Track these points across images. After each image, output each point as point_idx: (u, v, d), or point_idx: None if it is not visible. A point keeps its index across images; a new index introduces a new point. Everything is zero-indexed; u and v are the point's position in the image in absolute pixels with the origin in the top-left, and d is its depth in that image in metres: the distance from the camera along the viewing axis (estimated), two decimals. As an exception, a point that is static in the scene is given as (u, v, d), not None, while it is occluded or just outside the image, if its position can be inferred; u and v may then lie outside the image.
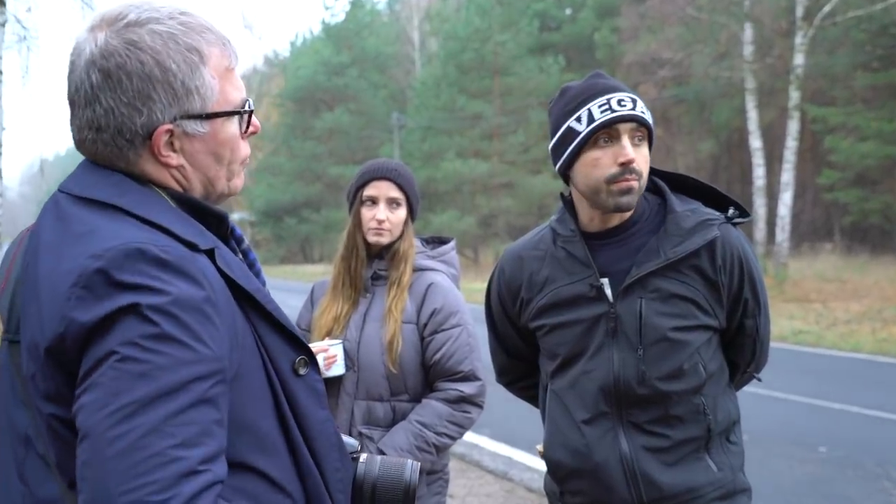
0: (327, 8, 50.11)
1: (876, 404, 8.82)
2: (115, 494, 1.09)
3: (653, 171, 2.36)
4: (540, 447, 2.49)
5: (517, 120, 35.13)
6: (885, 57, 25.00)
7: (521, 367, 2.62)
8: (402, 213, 2.96)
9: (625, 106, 2.17)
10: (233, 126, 1.43)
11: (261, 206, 47.63)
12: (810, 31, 23.46)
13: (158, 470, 1.10)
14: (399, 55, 49.10)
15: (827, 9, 23.37)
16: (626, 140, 2.17)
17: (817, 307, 18.28)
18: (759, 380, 2.51)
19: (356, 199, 2.98)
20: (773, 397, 8.68)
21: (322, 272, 27.12)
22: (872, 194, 25.85)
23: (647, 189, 2.34)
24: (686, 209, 2.26)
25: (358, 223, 2.96)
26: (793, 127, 23.51)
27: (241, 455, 1.29)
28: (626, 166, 2.16)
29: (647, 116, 2.20)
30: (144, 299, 1.18)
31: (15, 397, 1.33)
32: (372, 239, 2.94)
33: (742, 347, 2.35)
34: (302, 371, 1.40)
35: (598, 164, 2.19)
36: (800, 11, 23.40)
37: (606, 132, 2.18)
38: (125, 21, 1.34)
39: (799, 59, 23.41)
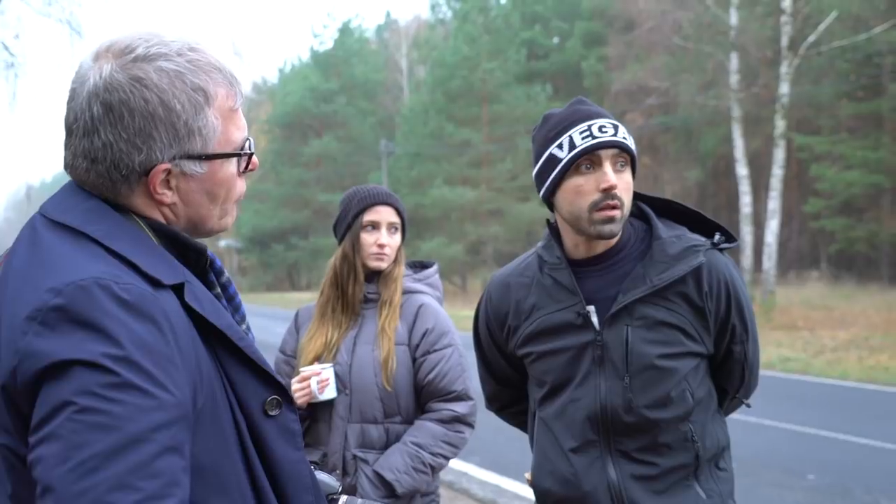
0: (316, 35, 50.22)
1: (864, 432, 8.82)
2: None
3: (638, 196, 2.35)
4: (528, 475, 2.47)
5: (505, 147, 35.27)
6: (869, 86, 25.31)
7: (510, 393, 2.60)
8: (398, 237, 2.98)
9: (606, 132, 2.16)
10: (231, 166, 1.40)
11: (248, 232, 47.58)
12: (795, 60, 23.70)
13: None
14: (387, 82, 49.38)
15: (812, 38, 23.64)
16: (607, 166, 2.16)
17: (804, 335, 18.32)
18: (749, 405, 2.49)
19: (354, 223, 2.96)
20: (761, 424, 8.67)
21: (309, 299, 27.01)
22: (858, 222, 26.05)
23: (633, 214, 2.33)
24: (672, 235, 2.25)
25: (356, 248, 2.95)
26: (779, 155, 23.69)
27: (201, 498, 1.24)
28: (608, 192, 2.15)
29: (629, 142, 2.19)
30: (101, 347, 1.13)
31: None
32: (373, 264, 2.94)
33: (731, 373, 2.33)
34: (273, 412, 1.35)
35: (580, 191, 2.17)
36: (785, 41, 23.65)
37: (588, 158, 2.17)
38: (133, 55, 1.31)
39: (784, 88, 23.63)
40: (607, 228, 2.18)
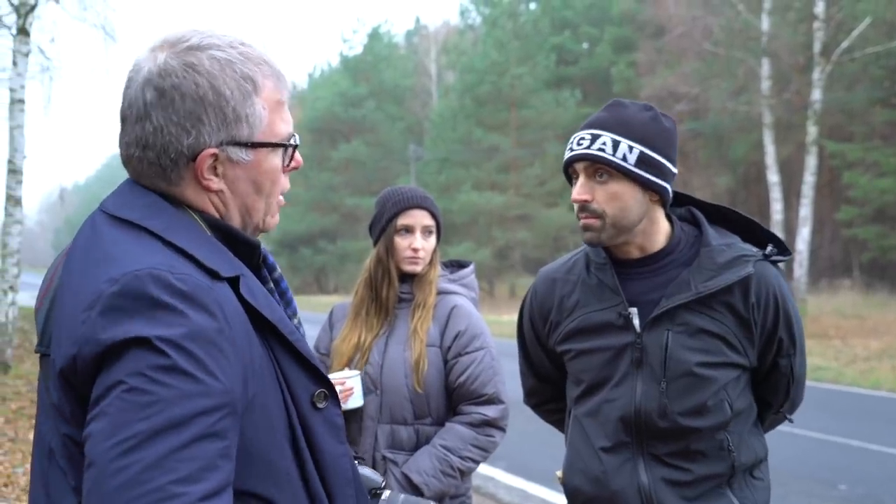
0: (345, 40, 50.38)
1: (896, 442, 8.71)
2: None
3: (691, 201, 2.37)
4: (560, 473, 2.46)
5: (533, 153, 35.21)
6: (903, 93, 24.96)
7: (548, 389, 2.61)
8: (433, 240, 2.98)
9: (581, 144, 2.20)
10: (276, 158, 1.44)
11: (276, 235, 47.82)
12: (828, 66, 23.46)
13: None
14: (416, 87, 49.45)
15: (845, 45, 23.39)
16: (581, 179, 2.21)
17: (836, 344, 18.10)
18: (791, 421, 2.46)
19: (388, 227, 2.96)
20: (793, 434, 8.55)
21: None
22: (892, 231, 25.68)
23: (685, 219, 2.33)
24: (722, 243, 2.23)
25: (391, 251, 2.95)
26: (811, 162, 23.45)
27: (251, 485, 1.28)
28: (577, 204, 2.21)
29: (604, 154, 2.15)
30: (155, 330, 1.18)
31: (43, 409, 1.35)
32: (407, 268, 2.94)
33: (776, 387, 2.31)
34: (321, 404, 1.39)
35: (573, 200, 2.25)
36: (817, 47, 23.42)
37: (573, 170, 2.25)
38: (187, 44, 1.37)
39: (816, 95, 23.39)
40: (585, 236, 2.24)
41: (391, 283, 2.95)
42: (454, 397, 2.93)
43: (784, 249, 2.27)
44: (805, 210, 23.29)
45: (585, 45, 39.86)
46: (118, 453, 1.11)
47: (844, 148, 25.82)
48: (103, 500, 1.10)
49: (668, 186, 2.23)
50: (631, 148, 2.16)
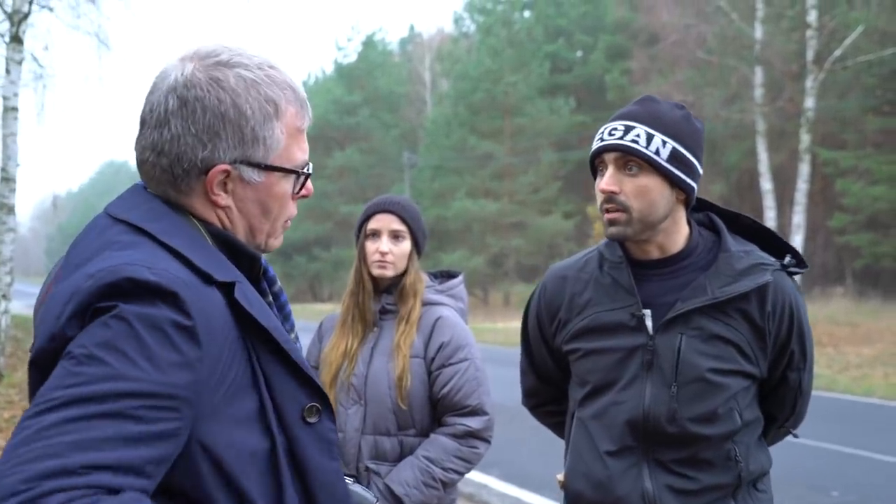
0: (340, 48, 50.37)
1: (889, 449, 8.72)
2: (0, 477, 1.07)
3: (709, 207, 2.34)
4: (560, 477, 2.41)
5: (528, 160, 35.27)
6: (895, 101, 25.06)
7: (549, 391, 2.56)
8: (405, 245, 2.97)
9: (613, 135, 2.14)
10: (287, 184, 1.46)
11: (271, 243, 47.64)
12: (821, 74, 23.58)
13: (36, 461, 1.07)
14: (410, 95, 49.49)
15: (838, 53, 23.51)
16: (610, 170, 2.15)
17: (829, 351, 18.12)
18: (796, 436, 2.42)
19: (361, 233, 3.01)
20: (786, 440, 8.53)
21: (331, 310, 26.95)
22: (884, 238, 25.76)
23: (703, 225, 2.30)
24: (740, 250, 2.20)
25: (363, 257, 2.98)
26: (804, 169, 23.54)
27: (209, 491, 1.25)
28: (604, 195, 2.15)
29: (637, 146, 2.11)
30: (110, 311, 1.18)
31: None
32: (376, 272, 2.95)
33: (782, 400, 2.28)
34: (311, 419, 1.36)
35: (597, 193, 2.19)
36: (810, 55, 23.54)
37: (601, 160, 2.19)
38: (216, 59, 1.39)
39: (809, 103, 23.50)
40: (611, 230, 2.17)
41: (365, 289, 2.98)
42: (438, 408, 2.92)
43: (801, 262, 2.24)
44: (798, 217, 23.37)
45: (579, 53, 39.94)
46: (33, 412, 1.12)
47: (837, 155, 25.91)
48: (4, 456, 1.09)
49: (695, 186, 2.20)
50: (664, 142, 2.12)
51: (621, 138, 2.12)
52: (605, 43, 36.85)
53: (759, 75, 25.73)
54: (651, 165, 2.12)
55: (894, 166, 24.60)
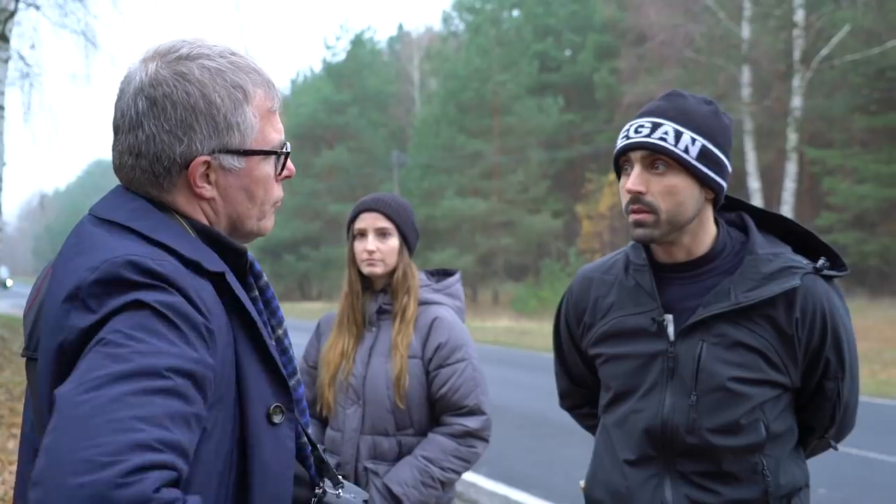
0: (328, 47, 50.27)
1: (876, 446, 8.75)
2: (65, 455, 1.02)
3: (741, 206, 2.23)
4: (583, 483, 2.33)
5: (516, 159, 35.30)
6: (882, 100, 25.21)
7: (582, 393, 2.49)
8: (392, 242, 2.96)
9: (640, 132, 2.03)
10: (268, 166, 1.46)
11: (259, 242, 47.68)
12: (808, 73, 23.68)
13: (114, 434, 1.03)
14: (399, 94, 49.48)
15: (824, 52, 23.61)
16: (636, 169, 2.03)
17: (816, 349, 18.19)
18: (836, 449, 2.28)
19: (349, 233, 3.01)
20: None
21: (320, 309, 26.92)
22: (871, 236, 25.91)
23: (733, 224, 2.19)
24: (769, 252, 2.07)
25: (352, 256, 2.98)
26: (791, 168, 23.64)
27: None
28: (630, 195, 2.04)
29: (665, 143, 2.00)
30: (132, 296, 1.18)
31: (30, 413, 1.34)
32: (365, 270, 2.95)
33: (820, 410, 2.13)
34: (276, 419, 1.34)
35: (622, 193, 2.08)
36: (797, 54, 23.64)
37: (626, 159, 2.08)
38: (177, 54, 1.38)
39: (797, 102, 23.61)
40: (637, 232, 2.06)
41: (357, 289, 2.99)
42: (436, 408, 2.93)
43: (841, 265, 2.12)
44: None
45: (568, 52, 39.98)
46: (82, 390, 1.07)
47: (824, 154, 26.05)
48: (62, 432, 1.04)
49: (724, 185, 2.08)
50: (693, 140, 2.00)
51: (648, 136, 2.01)
52: (594, 42, 36.92)
53: (746, 74, 25.83)
54: (680, 164, 2.01)
55: (881, 165, 24.75)
